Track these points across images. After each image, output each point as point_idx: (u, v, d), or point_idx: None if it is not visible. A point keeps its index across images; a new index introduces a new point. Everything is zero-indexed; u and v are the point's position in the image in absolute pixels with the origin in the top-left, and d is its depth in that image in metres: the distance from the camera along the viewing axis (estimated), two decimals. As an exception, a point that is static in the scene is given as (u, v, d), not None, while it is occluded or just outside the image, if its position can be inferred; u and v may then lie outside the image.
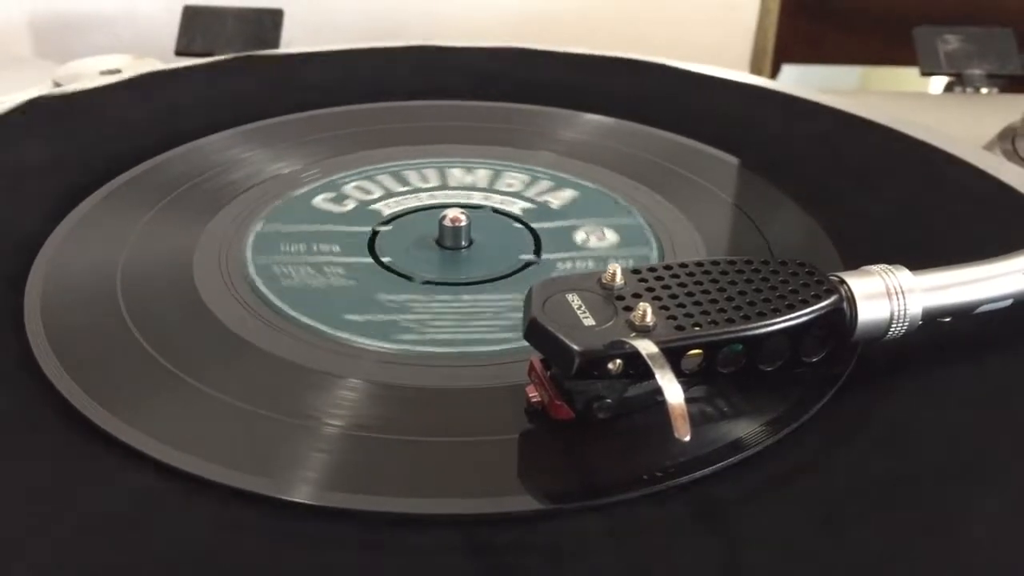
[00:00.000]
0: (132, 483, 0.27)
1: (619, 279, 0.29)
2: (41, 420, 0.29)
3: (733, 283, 0.30)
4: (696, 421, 0.29)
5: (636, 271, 0.30)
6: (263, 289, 0.35)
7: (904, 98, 0.74)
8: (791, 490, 0.27)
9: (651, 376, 0.26)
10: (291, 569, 0.25)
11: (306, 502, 0.26)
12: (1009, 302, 0.32)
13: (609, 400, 0.28)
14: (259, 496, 0.26)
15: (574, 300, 0.28)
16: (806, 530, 0.26)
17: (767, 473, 0.28)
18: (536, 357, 0.29)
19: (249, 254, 0.38)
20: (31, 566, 0.24)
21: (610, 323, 0.28)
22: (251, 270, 0.37)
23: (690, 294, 0.29)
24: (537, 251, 0.39)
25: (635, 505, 0.26)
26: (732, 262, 0.31)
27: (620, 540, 0.26)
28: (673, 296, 0.29)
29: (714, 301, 0.29)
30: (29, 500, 0.26)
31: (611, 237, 0.39)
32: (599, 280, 0.29)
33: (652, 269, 0.30)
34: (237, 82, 0.56)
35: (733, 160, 0.47)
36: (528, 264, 0.38)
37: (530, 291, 0.29)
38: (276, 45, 0.68)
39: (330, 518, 0.26)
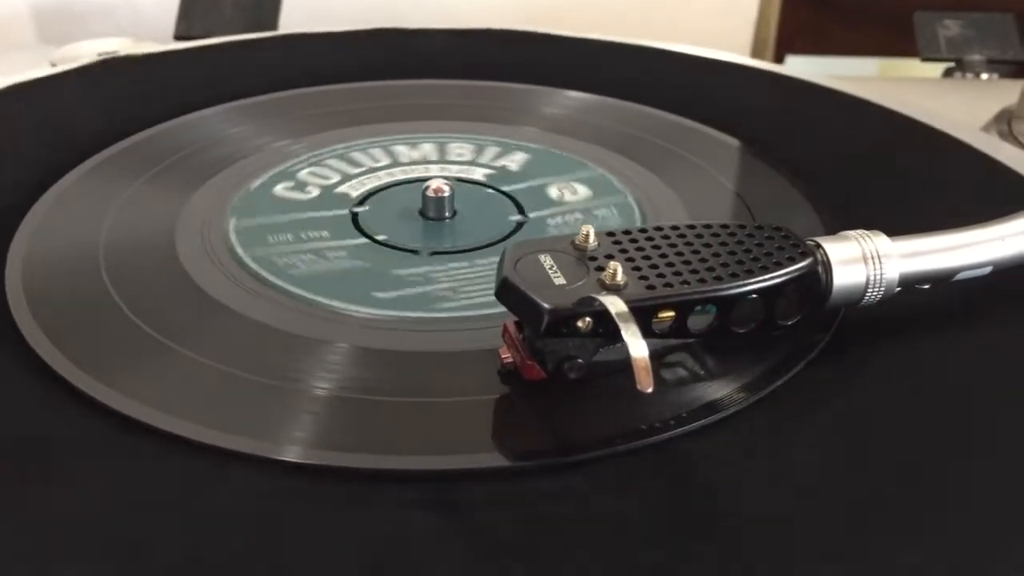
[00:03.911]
0: (121, 447, 0.27)
1: (592, 241, 0.29)
2: (22, 385, 0.29)
3: (708, 245, 0.30)
4: (671, 383, 0.29)
5: (611, 233, 0.30)
6: (279, 283, 0.35)
7: (902, 82, 0.74)
8: (764, 452, 0.27)
9: (620, 335, 0.26)
10: (278, 524, 0.25)
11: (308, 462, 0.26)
12: (988, 269, 0.32)
13: (580, 360, 0.28)
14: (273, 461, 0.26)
15: (546, 260, 0.29)
16: (777, 492, 0.26)
17: (741, 435, 0.28)
18: (510, 320, 0.29)
19: (240, 250, 0.37)
20: (16, 532, 0.24)
21: (581, 282, 0.28)
22: (253, 265, 0.36)
23: (663, 255, 0.29)
24: (521, 211, 0.39)
25: (606, 463, 0.26)
26: (708, 225, 0.31)
27: (591, 497, 0.26)
28: (646, 258, 0.29)
29: (687, 262, 0.29)
30: (19, 470, 0.26)
31: (582, 190, 0.40)
32: (572, 242, 0.29)
33: (627, 232, 0.30)
34: (172, 73, 0.55)
35: (707, 130, 0.48)
36: (520, 224, 0.38)
37: (503, 252, 0.29)
38: (274, 28, 0.69)
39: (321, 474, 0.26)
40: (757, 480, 0.26)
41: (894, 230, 0.31)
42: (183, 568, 0.23)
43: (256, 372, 0.30)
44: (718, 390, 0.29)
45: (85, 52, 0.65)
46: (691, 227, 0.31)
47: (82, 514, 0.25)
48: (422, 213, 0.39)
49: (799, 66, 1.07)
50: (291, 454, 0.26)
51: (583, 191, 0.40)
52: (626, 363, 0.27)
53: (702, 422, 0.28)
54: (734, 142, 0.47)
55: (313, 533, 0.24)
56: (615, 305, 0.26)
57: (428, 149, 0.45)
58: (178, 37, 0.71)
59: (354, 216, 0.39)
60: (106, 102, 0.50)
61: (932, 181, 0.43)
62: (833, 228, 0.35)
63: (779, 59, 1.05)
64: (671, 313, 0.28)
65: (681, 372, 0.30)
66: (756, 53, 0.97)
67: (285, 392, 0.29)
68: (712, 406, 0.28)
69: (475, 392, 0.29)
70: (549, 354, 0.28)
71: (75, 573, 0.23)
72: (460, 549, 0.24)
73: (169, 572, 0.23)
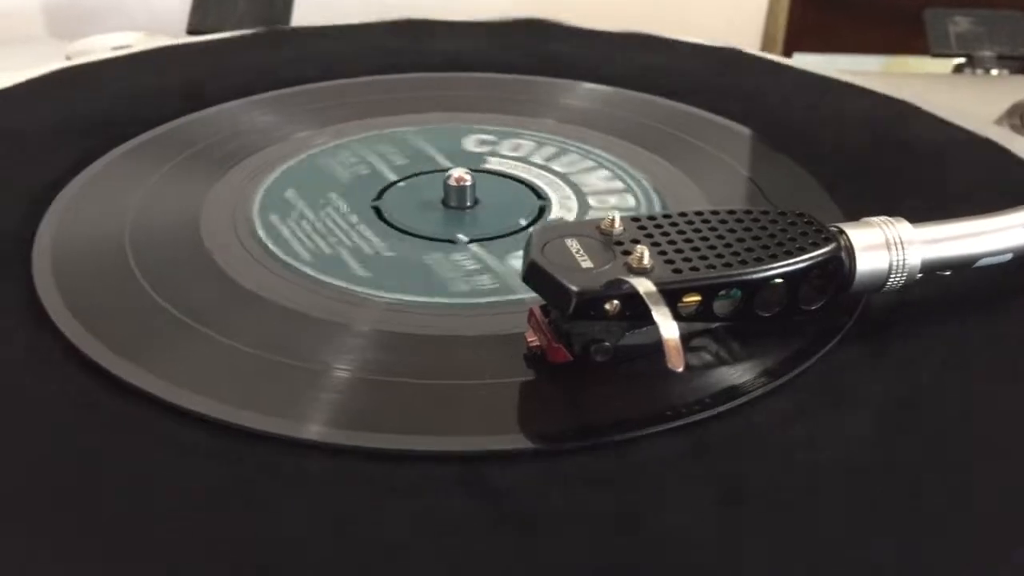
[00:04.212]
0: (142, 427, 0.27)
1: (618, 226, 0.29)
2: (50, 367, 0.29)
3: (732, 231, 0.30)
4: (695, 367, 0.29)
5: (636, 219, 0.30)
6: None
7: (913, 77, 0.74)
8: (786, 438, 0.27)
9: (648, 317, 0.26)
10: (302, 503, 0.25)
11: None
12: (1009, 256, 0.32)
13: (607, 343, 0.28)
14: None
15: (573, 244, 0.29)
16: (800, 476, 0.26)
17: (763, 420, 0.28)
18: (536, 304, 0.30)
19: (315, 150, 0.43)
20: (54, 516, 0.24)
21: (608, 266, 0.28)
22: (300, 158, 0.43)
23: (688, 240, 0.29)
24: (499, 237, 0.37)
25: (632, 446, 0.27)
26: (732, 211, 0.31)
27: (616, 480, 0.26)
28: (672, 242, 0.29)
29: (712, 247, 0.29)
30: (43, 447, 0.27)
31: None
32: (598, 226, 0.30)
33: (652, 217, 0.30)
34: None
35: (724, 121, 0.48)
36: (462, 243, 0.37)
37: (530, 236, 0.29)
38: (287, 23, 0.69)
39: (333, 455, 0.26)
40: (781, 464, 0.26)
41: (909, 220, 0.31)
42: (208, 548, 0.23)
43: (279, 353, 0.30)
44: (742, 374, 0.29)
45: (99, 46, 0.65)
46: (715, 212, 0.31)
47: (98, 494, 0.25)
48: (443, 200, 0.39)
49: (809, 64, 1.07)
50: (314, 434, 0.27)
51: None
52: (652, 347, 0.28)
53: (726, 406, 0.28)
54: (750, 132, 0.47)
55: (335, 512, 0.24)
56: (644, 286, 0.26)
57: (587, 166, 0.43)
58: (191, 31, 0.71)
59: (416, 175, 0.41)
60: (135, 92, 0.50)
61: (946, 172, 0.44)
62: (849, 217, 0.36)
63: (787, 57, 1.05)
64: (697, 297, 0.28)
65: (705, 356, 0.30)
66: (765, 51, 0.97)
67: (308, 373, 0.29)
68: (736, 390, 0.29)
69: (501, 375, 0.29)
70: (576, 337, 0.28)
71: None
72: (484, 530, 0.24)
73: (195, 552, 0.23)
